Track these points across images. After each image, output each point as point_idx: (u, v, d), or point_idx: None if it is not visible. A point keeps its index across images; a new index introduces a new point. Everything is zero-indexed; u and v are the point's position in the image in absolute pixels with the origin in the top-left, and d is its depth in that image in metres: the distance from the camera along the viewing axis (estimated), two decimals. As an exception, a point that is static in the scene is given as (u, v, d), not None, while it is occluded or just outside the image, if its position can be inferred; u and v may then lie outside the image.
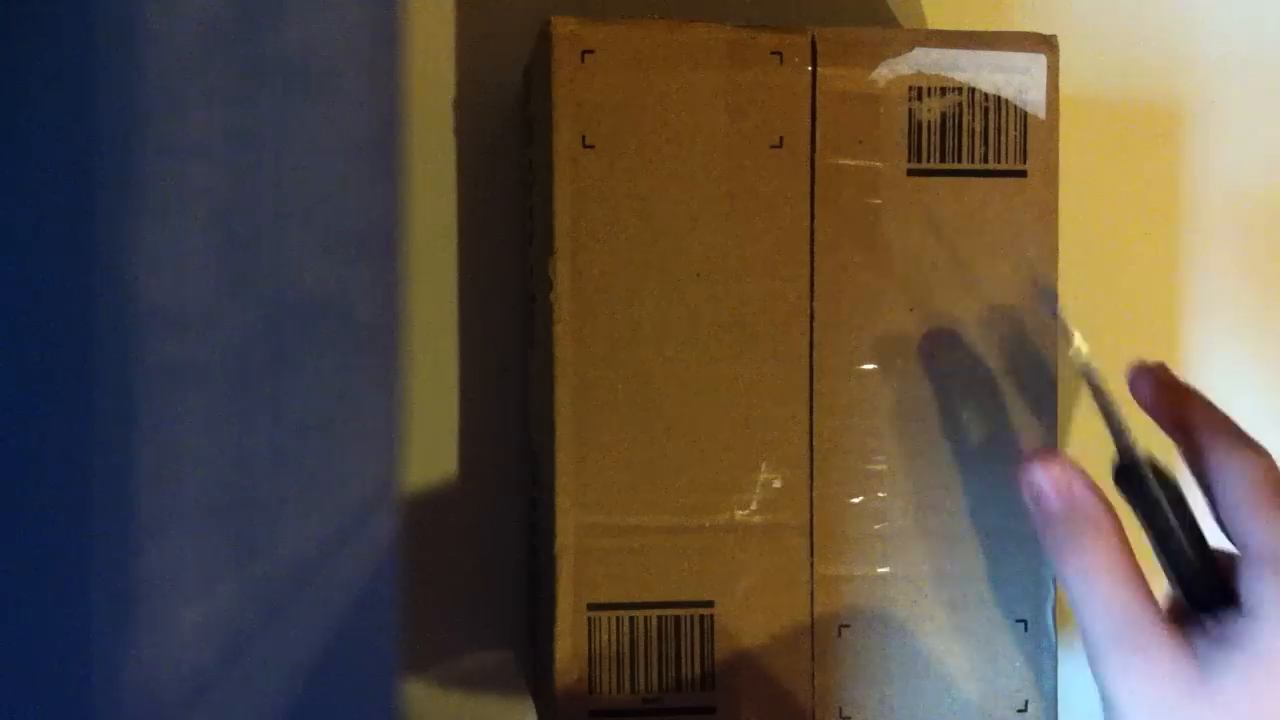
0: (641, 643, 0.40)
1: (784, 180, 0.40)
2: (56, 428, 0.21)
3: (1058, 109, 0.42)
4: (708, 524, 0.41)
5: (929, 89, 0.41)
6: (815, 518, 0.41)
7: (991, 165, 0.42)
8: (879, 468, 0.41)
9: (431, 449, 0.48)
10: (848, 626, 0.41)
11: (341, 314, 0.26)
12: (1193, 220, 0.52)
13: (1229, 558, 0.34)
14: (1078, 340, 0.37)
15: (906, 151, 0.41)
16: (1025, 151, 0.42)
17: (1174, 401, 0.37)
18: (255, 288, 0.24)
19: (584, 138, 0.40)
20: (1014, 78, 0.41)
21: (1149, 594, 0.33)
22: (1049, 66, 0.42)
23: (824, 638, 0.41)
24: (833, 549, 0.41)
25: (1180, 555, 0.35)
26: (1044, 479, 0.35)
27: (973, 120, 0.41)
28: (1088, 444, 0.51)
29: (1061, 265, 0.42)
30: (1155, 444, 0.37)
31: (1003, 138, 0.42)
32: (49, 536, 0.21)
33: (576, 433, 0.40)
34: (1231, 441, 0.34)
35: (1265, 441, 0.36)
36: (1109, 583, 0.33)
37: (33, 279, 0.20)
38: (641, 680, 0.40)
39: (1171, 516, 0.35)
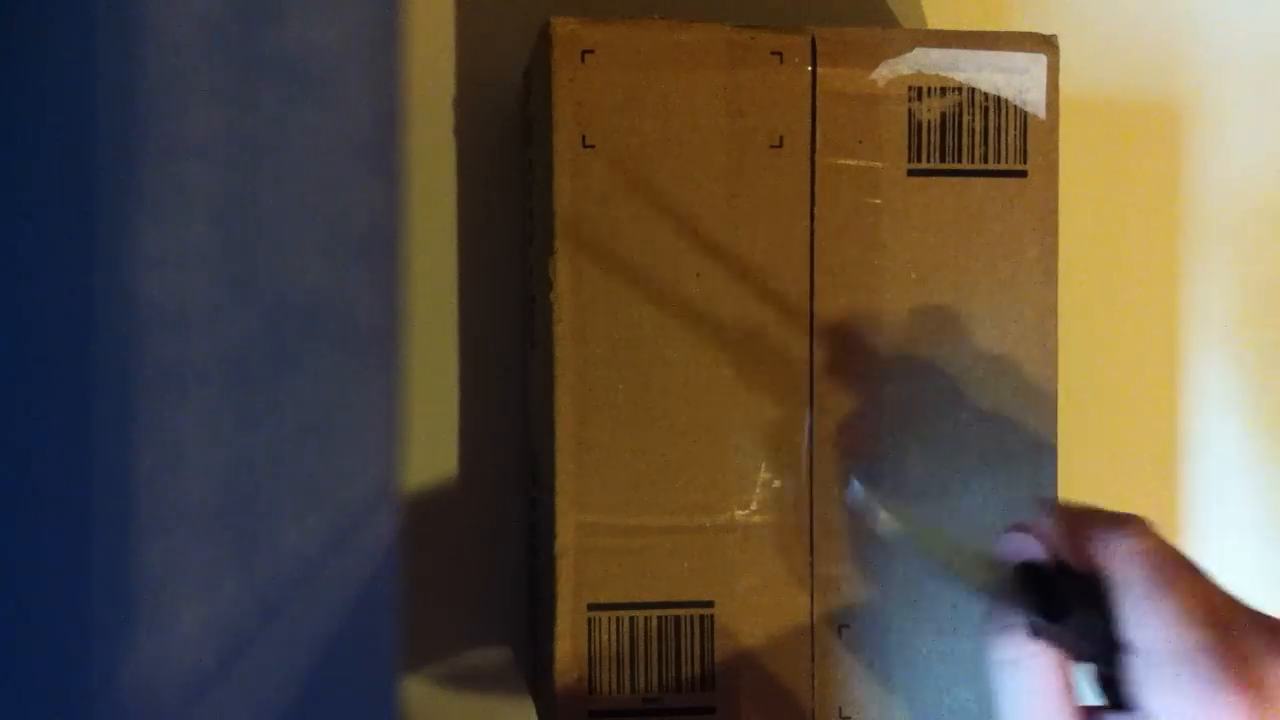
0: (641, 643, 0.40)
1: (784, 180, 0.40)
2: (56, 428, 0.21)
3: (1058, 109, 0.42)
4: (708, 524, 0.41)
5: (929, 89, 0.41)
6: (815, 518, 0.41)
7: (991, 165, 0.42)
8: (879, 468, 0.41)
9: (431, 449, 0.48)
10: (848, 627, 0.41)
11: (341, 314, 0.26)
12: (1192, 220, 0.52)
13: None
14: (884, 518, 0.37)
15: (906, 152, 0.41)
16: (1025, 151, 0.42)
17: (1041, 535, 0.36)
18: (255, 288, 0.24)
19: (584, 138, 0.40)
20: (1014, 78, 0.41)
21: (1064, 688, 0.33)
22: (1049, 66, 0.42)
23: (824, 638, 0.41)
24: (833, 549, 0.41)
25: (1082, 654, 0.34)
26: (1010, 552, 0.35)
27: (972, 120, 0.41)
28: (1087, 442, 0.51)
29: (1061, 265, 0.42)
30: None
31: (1003, 138, 0.42)
32: (49, 536, 0.21)
33: (576, 433, 0.40)
34: (1098, 528, 0.34)
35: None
36: (1028, 672, 0.33)
37: (33, 279, 0.20)
38: (641, 680, 0.40)
39: (1058, 629, 0.33)
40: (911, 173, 0.41)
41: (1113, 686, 0.34)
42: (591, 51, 0.40)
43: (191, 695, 0.22)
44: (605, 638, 0.40)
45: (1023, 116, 0.42)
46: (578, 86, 0.40)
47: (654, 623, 0.40)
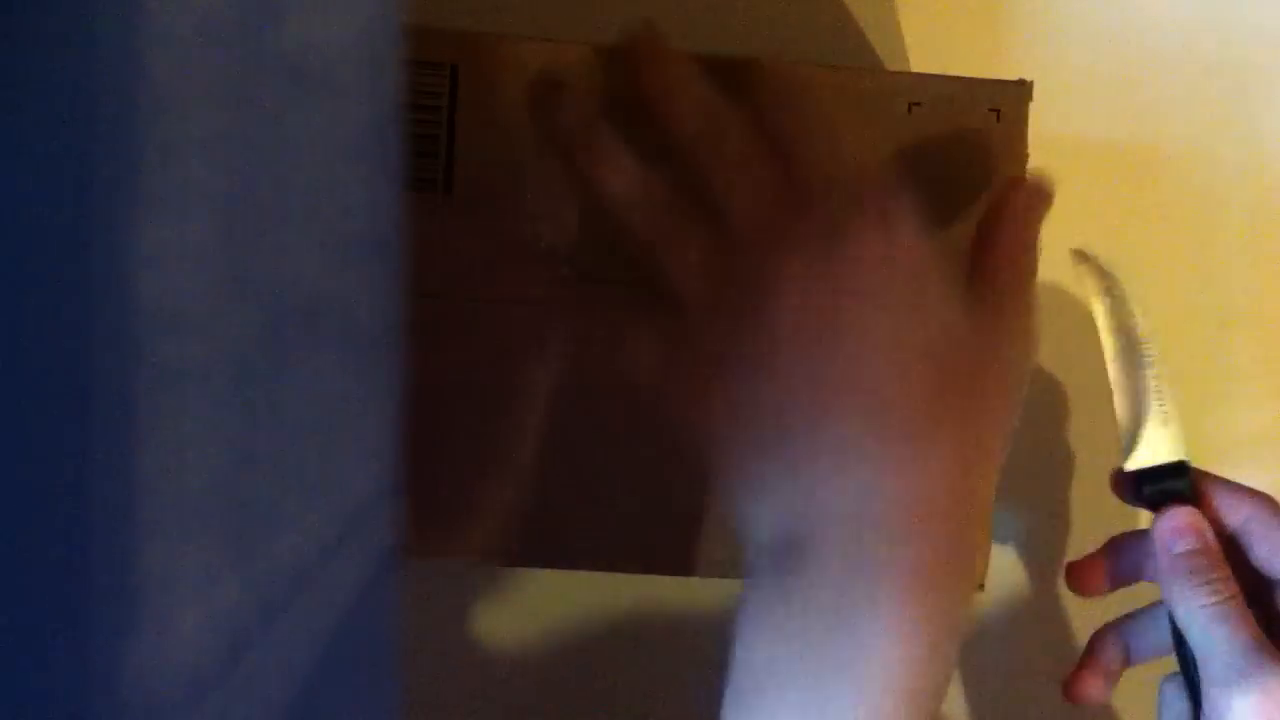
0: None
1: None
2: (56, 428, 0.21)
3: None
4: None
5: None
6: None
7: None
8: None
9: (431, 449, 0.48)
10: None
11: (341, 314, 0.26)
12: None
13: None
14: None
15: None
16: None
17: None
18: (255, 288, 0.24)
19: None
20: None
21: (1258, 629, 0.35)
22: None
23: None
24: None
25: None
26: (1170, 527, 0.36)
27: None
28: (1095, 437, 0.51)
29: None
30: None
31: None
32: (49, 536, 0.21)
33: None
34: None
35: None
36: (1229, 621, 0.35)
37: (32, 278, 0.20)
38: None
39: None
40: None
41: None
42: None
43: (191, 695, 0.22)
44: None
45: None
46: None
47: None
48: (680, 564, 0.40)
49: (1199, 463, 0.38)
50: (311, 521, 0.26)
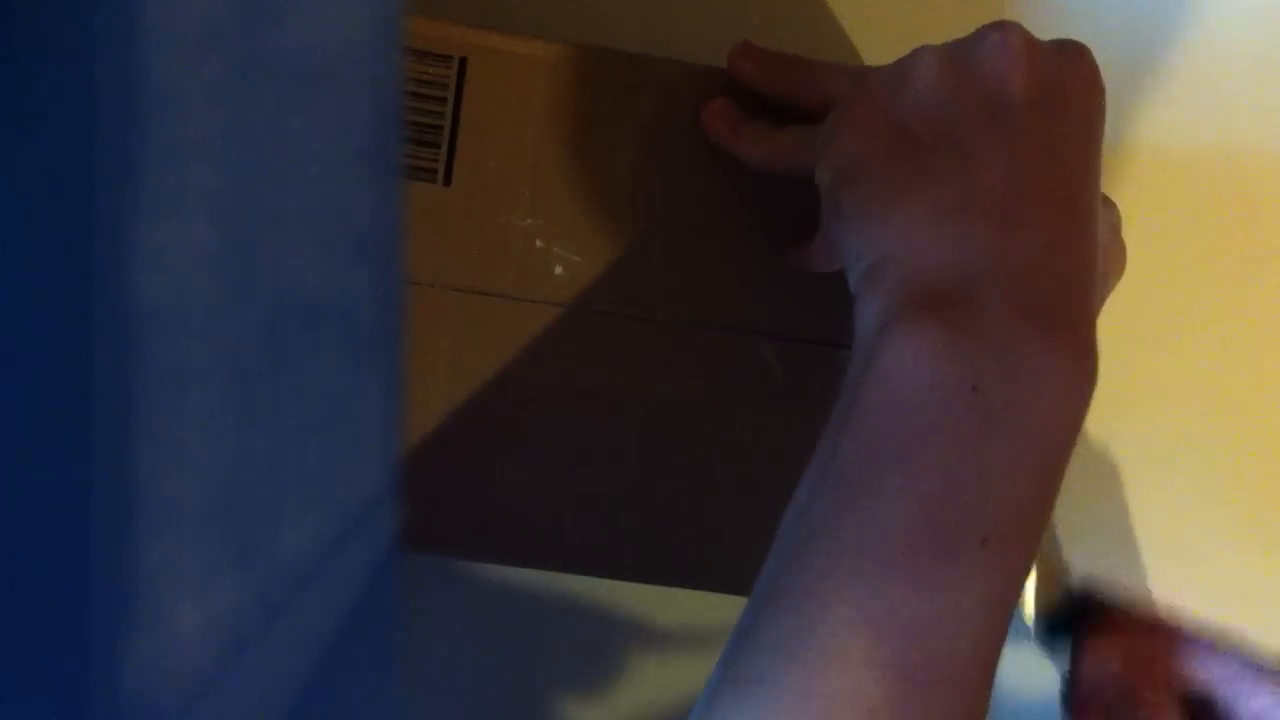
0: None
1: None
2: (57, 428, 0.21)
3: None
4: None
5: None
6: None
7: None
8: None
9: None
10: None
11: (341, 314, 0.26)
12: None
13: None
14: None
15: None
16: None
17: None
18: (255, 288, 0.24)
19: None
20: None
21: None
22: None
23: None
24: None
25: None
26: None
27: None
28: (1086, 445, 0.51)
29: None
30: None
31: None
32: (49, 536, 0.21)
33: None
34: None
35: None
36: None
37: (33, 278, 0.20)
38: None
39: None
40: None
41: None
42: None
43: (191, 695, 0.22)
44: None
45: None
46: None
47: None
48: (679, 575, 0.40)
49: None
50: (311, 521, 0.26)
